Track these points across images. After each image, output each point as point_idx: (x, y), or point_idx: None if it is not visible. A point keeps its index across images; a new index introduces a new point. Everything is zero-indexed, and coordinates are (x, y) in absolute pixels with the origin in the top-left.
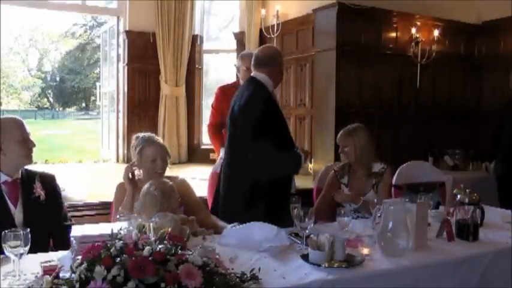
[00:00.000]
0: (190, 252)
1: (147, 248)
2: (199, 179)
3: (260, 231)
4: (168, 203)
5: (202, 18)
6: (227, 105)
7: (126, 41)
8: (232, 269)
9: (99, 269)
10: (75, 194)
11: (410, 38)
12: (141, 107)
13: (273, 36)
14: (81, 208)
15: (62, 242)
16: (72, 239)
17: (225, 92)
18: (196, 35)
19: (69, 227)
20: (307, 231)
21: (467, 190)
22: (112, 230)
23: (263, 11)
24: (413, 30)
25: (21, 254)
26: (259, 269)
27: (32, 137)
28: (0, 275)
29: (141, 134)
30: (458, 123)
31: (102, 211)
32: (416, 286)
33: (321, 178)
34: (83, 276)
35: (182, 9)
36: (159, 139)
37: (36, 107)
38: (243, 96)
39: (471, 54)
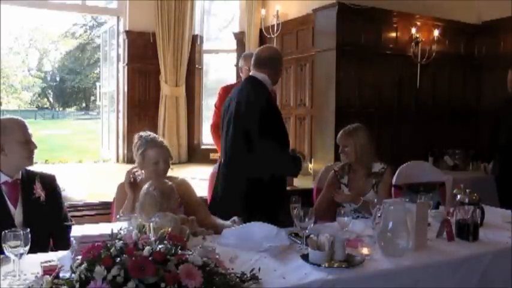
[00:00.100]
0: (190, 252)
1: (147, 248)
2: (199, 179)
3: (260, 231)
4: (168, 203)
5: (202, 18)
6: None
7: (126, 41)
8: (232, 269)
9: (99, 269)
10: (75, 194)
11: (410, 38)
12: (141, 107)
13: (273, 36)
14: (81, 208)
15: (62, 242)
16: (72, 239)
17: (228, 91)
18: (196, 35)
19: (69, 227)
20: (307, 231)
21: (467, 190)
22: (112, 230)
23: (263, 11)
24: (413, 30)
25: (21, 254)
26: (259, 269)
27: (33, 139)
28: (0, 275)
29: (143, 134)
30: (458, 123)
31: (102, 211)
32: (417, 286)
33: (321, 178)
34: (83, 276)
35: (182, 9)
36: (162, 140)
37: (36, 107)
38: (243, 96)
39: (471, 54)
